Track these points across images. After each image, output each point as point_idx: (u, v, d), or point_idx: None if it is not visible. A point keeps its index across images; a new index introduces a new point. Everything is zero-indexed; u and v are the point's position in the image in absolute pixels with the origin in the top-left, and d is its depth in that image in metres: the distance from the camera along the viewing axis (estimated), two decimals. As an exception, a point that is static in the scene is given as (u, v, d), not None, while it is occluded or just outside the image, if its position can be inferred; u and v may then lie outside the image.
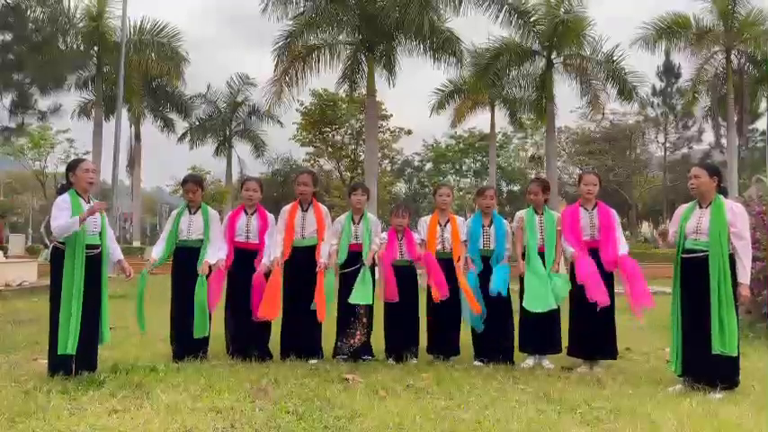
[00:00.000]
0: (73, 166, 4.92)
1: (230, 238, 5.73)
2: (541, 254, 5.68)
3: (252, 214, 5.80)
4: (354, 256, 5.77)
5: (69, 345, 4.55)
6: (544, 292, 5.47)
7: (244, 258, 5.69)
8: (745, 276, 4.63)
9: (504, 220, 6.02)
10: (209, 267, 5.57)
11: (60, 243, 4.73)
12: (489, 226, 5.88)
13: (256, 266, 5.65)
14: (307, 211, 5.85)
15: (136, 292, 5.53)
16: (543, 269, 5.57)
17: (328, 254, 5.72)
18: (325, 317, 5.54)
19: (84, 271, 4.67)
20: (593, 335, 5.49)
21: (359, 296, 5.54)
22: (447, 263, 5.81)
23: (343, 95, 25.60)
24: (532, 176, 32.99)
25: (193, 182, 5.85)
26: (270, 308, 5.46)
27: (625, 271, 5.34)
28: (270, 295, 5.47)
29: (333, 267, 5.70)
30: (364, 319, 5.71)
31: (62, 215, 4.64)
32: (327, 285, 5.57)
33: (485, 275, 5.77)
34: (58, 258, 4.69)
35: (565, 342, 5.75)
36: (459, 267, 5.73)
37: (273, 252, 5.67)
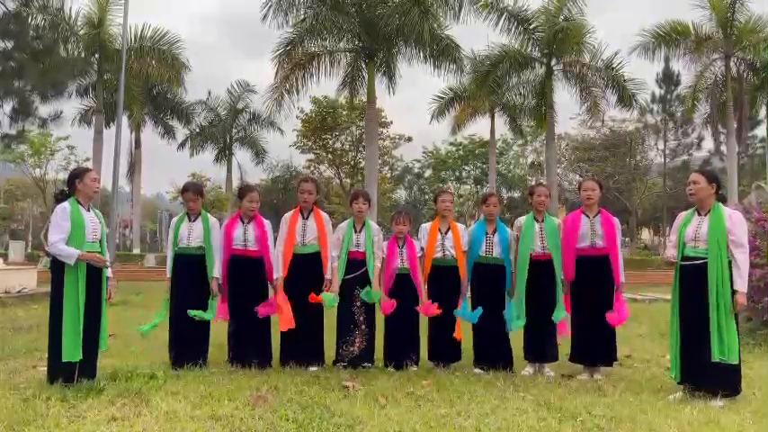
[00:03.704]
0: (80, 174, 4.90)
1: (228, 247, 5.73)
2: (539, 262, 5.68)
3: (249, 222, 5.79)
4: (355, 264, 5.77)
5: (75, 352, 4.54)
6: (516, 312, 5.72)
7: (243, 266, 5.69)
8: (741, 285, 4.63)
9: (508, 228, 6.02)
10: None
11: None
12: (493, 233, 5.87)
13: (268, 272, 5.73)
14: (308, 218, 5.85)
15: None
16: (524, 283, 5.66)
17: (330, 270, 5.77)
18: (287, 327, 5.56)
19: (85, 278, 4.67)
20: (593, 341, 5.50)
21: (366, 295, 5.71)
22: (446, 270, 5.82)
23: (344, 102, 25.66)
24: (532, 183, 33.02)
25: (194, 191, 5.84)
26: (287, 321, 5.58)
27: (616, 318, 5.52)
28: (286, 311, 5.58)
29: (333, 290, 5.74)
30: (363, 327, 5.72)
31: (59, 234, 4.63)
32: (327, 300, 5.63)
33: (486, 281, 5.78)
34: (59, 266, 4.68)
35: (565, 349, 5.74)
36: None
37: (276, 270, 5.74)
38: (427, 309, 5.73)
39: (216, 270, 5.66)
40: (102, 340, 4.92)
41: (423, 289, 5.84)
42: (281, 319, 5.57)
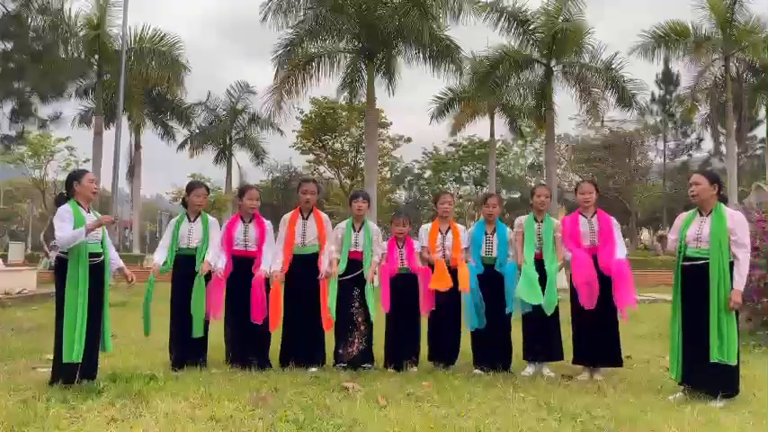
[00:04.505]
0: (78, 176, 4.94)
1: (228, 247, 5.73)
2: (540, 261, 5.67)
3: (249, 222, 5.80)
4: (354, 264, 5.77)
5: (75, 353, 4.55)
6: (535, 291, 5.51)
7: (242, 266, 5.69)
8: (740, 283, 4.62)
9: (508, 228, 6.02)
10: (210, 272, 5.61)
11: (63, 253, 4.74)
12: (492, 234, 5.88)
13: (254, 269, 5.67)
14: (307, 219, 5.85)
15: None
16: (536, 278, 5.56)
17: (329, 263, 5.73)
18: (330, 327, 5.61)
19: (86, 280, 4.67)
20: (596, 342, 5.49)
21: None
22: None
23: (343, 103, 25.67)
24: (532, 184, 33.05)
25: (205, 187, 5.96)
26: (273, 319, 5.56)
27: (614, 272, 5.35)
28: (273, 307, 5.57)
29: (334, 277, 5.68)
30: (362, 327, 5.71)
31: (65, 226, 4.64)
32: (330, 295, 5.59)
33: (486, 282, 5.77)
34: (62, 268, 4.70)
35: (567, 349, 5.73)
36: (457, 259, 5.75)
37: (274, 264, 5.70)
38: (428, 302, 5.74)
39: (210, 256, 5.61)
40: (106, 342, 4.93)
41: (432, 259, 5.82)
42: (272, 317, 5.55)
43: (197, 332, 5.44)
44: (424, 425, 3.83)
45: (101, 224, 4.79)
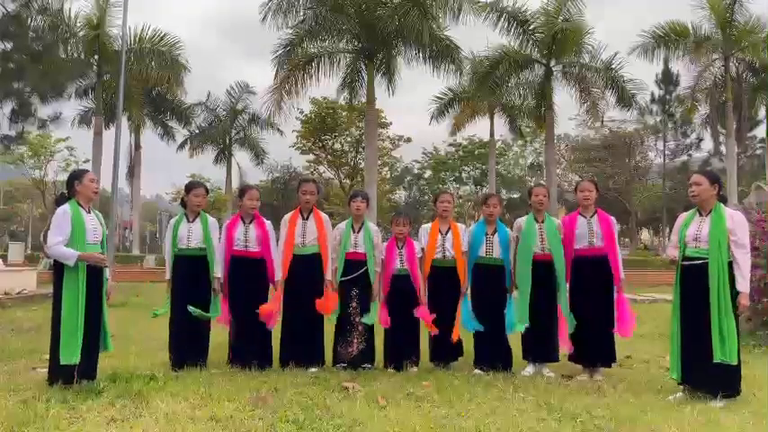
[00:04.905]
0: (79, 176, 4.92)
1: (228, 248, 5.72)
2: (549, 262, 5.66)
3: (250, 223, 5.79)
4: (353, 265, 5.77)
5: (72, 354, 4.54)
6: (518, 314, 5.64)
7: (243, 267, 5.68)
8: (744, 285, 4.63)
9: (508, 229, 6.02)
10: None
11: None
12: (493, 234, 5.87)
13: (270, 273, 5.72)
14: (307, 219, 5.85)
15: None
16: (529, 284, 5.63)
17: (331, 271, 5.78)
18: (330, 312, 5.68)
19: (86, 279, 4.67)
20: (591, 341, 5.49)
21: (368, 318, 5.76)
22: (446, 271, 5.82)
23: (343, 103, 25.66)
24: (531, 184, 33.07)
25: (204, 187, 5.94)
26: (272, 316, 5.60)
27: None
28: (275, 305, 5.62)
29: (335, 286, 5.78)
30: (361, 327, 5.71)
31: (58, 234, 4.62)
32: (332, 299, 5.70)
33: (486, 283, 5.78)
34: (59, 267, 4.68)
35: (564, 349, 5.74)
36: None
37: (277, 273, 5.76)
38: (423, 314, 5.73)
39: (218, 269, 5.66)
40: (106, 342, 4.93)
41: (422, 290, 5.83)
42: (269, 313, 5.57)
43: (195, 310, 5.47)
44: (424, 425, 3.83)
45: (93, 260, 4.73)
